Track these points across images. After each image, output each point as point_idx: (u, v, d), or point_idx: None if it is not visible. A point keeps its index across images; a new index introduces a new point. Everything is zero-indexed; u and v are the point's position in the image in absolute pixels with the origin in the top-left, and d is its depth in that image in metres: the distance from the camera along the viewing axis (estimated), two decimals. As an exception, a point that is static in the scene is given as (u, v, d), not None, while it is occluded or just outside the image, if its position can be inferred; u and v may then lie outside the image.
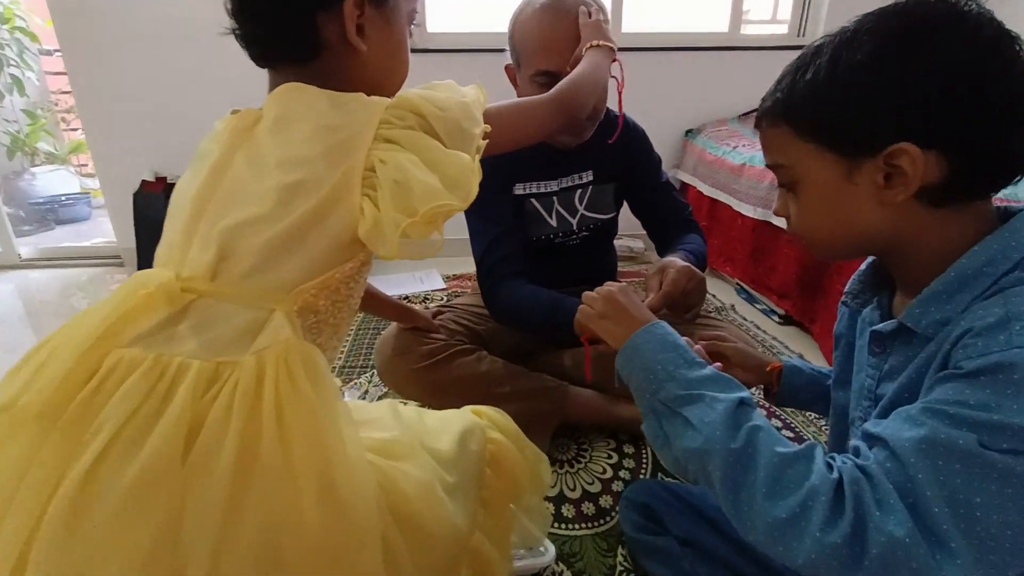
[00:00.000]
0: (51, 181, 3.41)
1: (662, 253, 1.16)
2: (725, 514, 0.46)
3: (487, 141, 0.55)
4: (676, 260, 0.92)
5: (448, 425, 0.64)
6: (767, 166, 0.55)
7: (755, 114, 0.55)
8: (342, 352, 1.58)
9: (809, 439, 1.19)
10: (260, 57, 0.53)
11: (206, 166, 0.51)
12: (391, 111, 0.50)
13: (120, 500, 0.39)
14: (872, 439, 0.44)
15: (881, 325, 0.53)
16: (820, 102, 0.47)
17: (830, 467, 0.43)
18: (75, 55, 2.15)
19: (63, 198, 3.36)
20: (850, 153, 0.47)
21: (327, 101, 0.50)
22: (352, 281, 0.53)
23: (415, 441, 0.57)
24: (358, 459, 0.47)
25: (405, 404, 1.22)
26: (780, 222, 1.68)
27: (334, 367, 1.48)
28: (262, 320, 0.47)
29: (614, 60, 0.87)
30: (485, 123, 0.55)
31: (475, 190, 0.50)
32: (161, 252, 0.51)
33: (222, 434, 0.42)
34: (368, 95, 0.52)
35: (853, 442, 0.47)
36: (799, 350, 1.59)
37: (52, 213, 3.31)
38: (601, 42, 0.85)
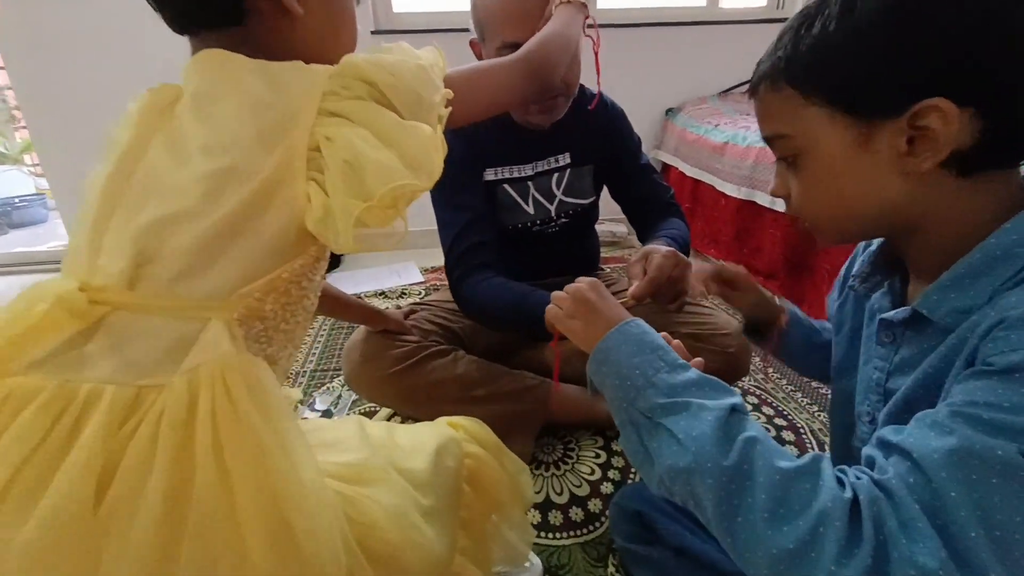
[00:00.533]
0: (2, 182, 3.29)
1: (643, 239, 1.12)
2: (721, 544, 0.41)
3: (450, 110, 0.48)
4: (659, 246, 0.87)
5: (421, 441, 0.58)
6: (764, 139, 0.50)
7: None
8: (313, 355, 1.51)
9: (802, 426, 1.16)
10: (176, 23, 0.46)
11: (115, 156, 0.43)
12: (335, 80, 0.43)
13: (17, 563, 0.33)
14: (890, 448, 0.38)
15: (891, 313, 0.48)
16: (832, 56, 0.42)
17: (841, 483, 0.37)
18: (13, 47, 2.01)
19: (16, 200, 3.24)
20: (868, 114, 0.41)
21: (258, 71, 0.43)
22: (304, 279, 0.47)
23: (385, 462, 0.52)
24: (316, 489, 0.41)
25: (376, 410, 1.17)
26: (766, 201, 1.65)
27: (303, 370, 1.42)
28: (194, 332, 0.41)
29: (586, 18, 0.79)
30: (447, 89, 0.49)
31: (439, 166, 0.44)
32: (67, 259, 0.44)
33: (144, 474, 0.37)
34: None
35: (867, 451, 0.41)
36: (787, 332, 1.56)
37: (5, 216, 3.19)
38: None
